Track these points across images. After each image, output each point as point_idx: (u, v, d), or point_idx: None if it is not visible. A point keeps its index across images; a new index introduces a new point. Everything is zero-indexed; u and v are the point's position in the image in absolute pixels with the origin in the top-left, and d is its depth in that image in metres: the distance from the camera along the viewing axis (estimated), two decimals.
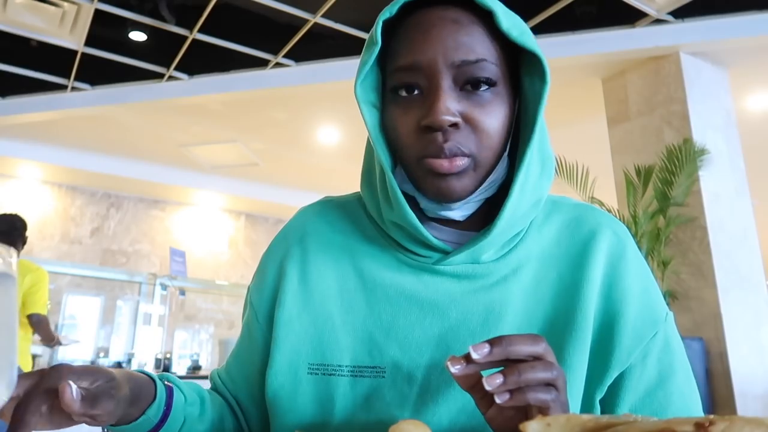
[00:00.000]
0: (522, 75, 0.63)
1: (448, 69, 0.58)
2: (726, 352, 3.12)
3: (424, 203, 0.63)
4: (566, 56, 3.74)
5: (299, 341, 0.65)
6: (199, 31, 3.76)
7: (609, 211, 3.46)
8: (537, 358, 0.47)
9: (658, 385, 0.62)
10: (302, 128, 5.14)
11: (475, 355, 0.46)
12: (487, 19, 0.59)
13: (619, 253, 0.65)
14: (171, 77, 4.39)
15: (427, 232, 0.61)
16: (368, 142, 0.67)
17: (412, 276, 0.64)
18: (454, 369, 0.47)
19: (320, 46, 3.93)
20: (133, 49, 4.04)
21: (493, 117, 0.59)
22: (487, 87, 0.58)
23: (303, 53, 4.03)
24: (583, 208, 0.69)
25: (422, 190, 0.61)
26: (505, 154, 0.62)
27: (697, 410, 0.63)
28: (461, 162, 0.58)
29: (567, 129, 4.74)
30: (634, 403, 0.61)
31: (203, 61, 4.18)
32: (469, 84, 0.58)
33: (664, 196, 3.34)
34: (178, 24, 3.70)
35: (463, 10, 0.59)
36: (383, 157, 0.62)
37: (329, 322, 0.65)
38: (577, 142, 4.59)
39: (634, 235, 3.31)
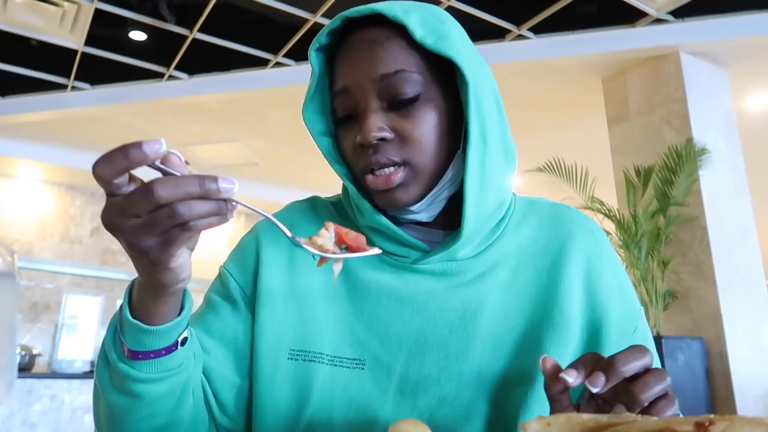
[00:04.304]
0: (457, 76, 0.65)
1: (372, 86, 0.61)
2: (726, 352, 3.12)
3: (390, 210, 0.66)
4: (566, 56, 3.74)
5: (282, 327, 0.66)
6: (199, 30, 3.76)
7: (609, 210, 3.47)
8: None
9: None
10: (302, 128, 5.07)
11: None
12: (405, 33, 0.62)
13: (597, 252, 0.68)
14: (171, 77, 4.39)
15: (402, 231, 0.64)
16: None
17: (393, 274, 0.66)
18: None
19: None
20: (133, 49, 4.04)
21: (423, 125, 0.62)
22: (411, 99, 0.61)
23: (303, 53, 4.03)
24: (559, 207, 0.72)
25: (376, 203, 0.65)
26: (459, 151, 0.64)
27: None
28: (396, 176, 0.61)
29: (567, 129, 4.73)
30: None
31: (203, 61, 4.17)
32: (393, 102, 0.62)
33: (664, 195, 3.34)
34: (178, 24, 3.69)
35: (381, 28, 0.63)
36: (341, 172, 0.67)
37: (313, 313, 0.66)
38: (577, 142, 4.59)
39: (634, 235, 3.31)
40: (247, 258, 0.71)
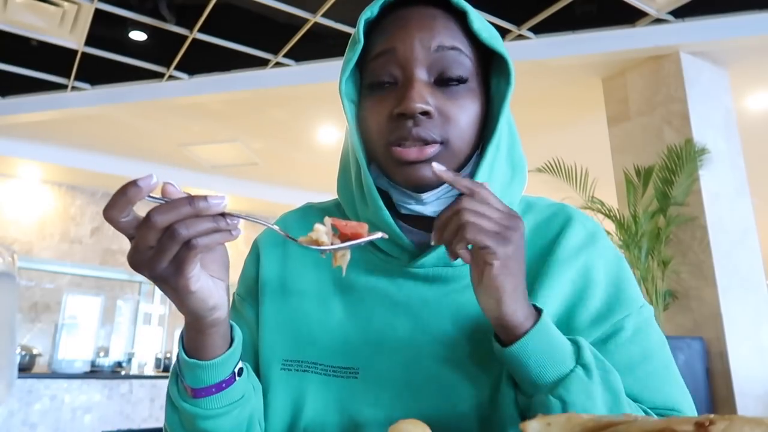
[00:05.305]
0: (491, 77, 0.65)
1: (425, 55, 0.60)
2: (726, 352, 3.12)
3: (396, 196, 0.64)
4: (566, 56, 3.74)
5: (274, 337, 0.66)
6: (199, 30, 3.76)
7: (609, 210, 3.47)
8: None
9: (639, 362, 0.62)
10: (302, 128, 5.13)
11: (437, 168, 0.53)
12: (461, 20, 0.62)
13: (588, 245, 0.66)
14: (171, 77, 4.38)
15: (398, 229, 0.63)
16: (344, 144, 0.69)
17: (386, 279, 0.65)
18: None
19: (320, 46, 3.93)
20: (133, 49, 4.04)
21: (465, 111, 0.61)
22: (458, 83, 0.61)
23: (303, 53, 4.03)
24: (556, 207, 0.71)
25: (393, 179, 0.63)
26: (478, 152, 0.64)
27: (681, 399, 0.63)
28: (431, 150, 0.59)
29: (567, 129, 4.73)
30: None
31: (203, 61, 4.17)
32: (442, 78, 0.61)
33: (664, 195, 3.34)
34: (178, 24, 3.69)
35: (439, 8, 0.63)
36: (359, 150, 0.63)
37: (306, 321, 0.66)
38: (577, 142, 4.59)
39: (634, 235, 3.31)
40: (249, 273, 0.73)
